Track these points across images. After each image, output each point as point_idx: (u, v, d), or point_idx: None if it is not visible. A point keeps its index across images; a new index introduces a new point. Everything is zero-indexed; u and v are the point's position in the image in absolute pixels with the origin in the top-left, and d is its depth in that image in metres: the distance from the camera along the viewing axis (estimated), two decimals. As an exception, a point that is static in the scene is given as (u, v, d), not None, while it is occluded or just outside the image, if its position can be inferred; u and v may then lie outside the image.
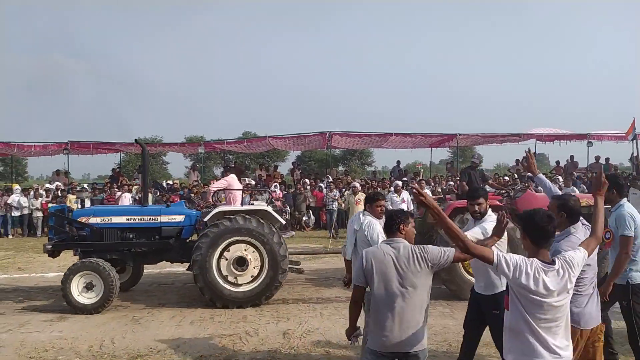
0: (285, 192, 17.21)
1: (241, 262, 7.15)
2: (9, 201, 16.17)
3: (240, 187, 8.44)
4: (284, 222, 7.73)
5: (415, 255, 3.14)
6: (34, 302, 7.55)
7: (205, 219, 7.49)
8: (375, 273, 3.12)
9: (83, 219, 7.66)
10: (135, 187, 17.79)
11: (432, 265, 3.14)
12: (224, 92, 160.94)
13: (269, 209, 7.58)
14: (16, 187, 17.70)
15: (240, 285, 7.16)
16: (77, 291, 6.95)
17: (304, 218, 16.31)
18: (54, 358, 5.16)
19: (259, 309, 6.98)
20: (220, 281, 7.08)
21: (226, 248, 7.17)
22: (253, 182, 15.44)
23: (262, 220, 7.22)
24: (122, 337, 5.74)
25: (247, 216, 7.22)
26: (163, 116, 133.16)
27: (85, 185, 19.76)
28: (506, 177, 17.74)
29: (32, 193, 16.98)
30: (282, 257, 7.13)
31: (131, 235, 7.70)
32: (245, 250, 7.19)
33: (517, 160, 21.56)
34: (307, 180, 18.00)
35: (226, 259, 7.13)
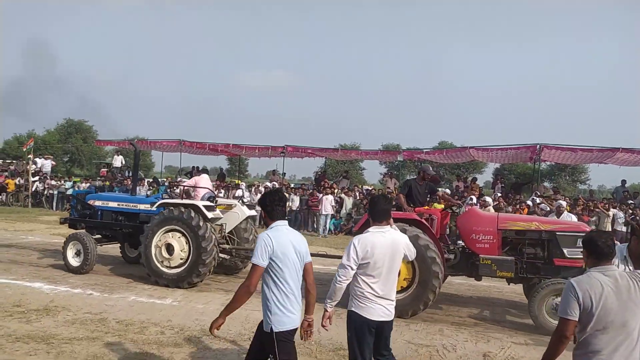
0: (484, 206, 16.31)
1: (170, 248, 8.04)
2: (236, 195, 18.93)
3: (207, 186, 9.32)
4: (210, 215, 8.19)
5: (635, 284, 2.73)
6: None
7: (154, 207, 8.63)
8: (595, 308, 2.72)
9: (91, 202, 9.59)
10: (337, 190, 19.03)
11: None
12: (419, 100, 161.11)
13: (199, 203, 8.26)
14: (241, 183, 20.62)
15: (172, 267, 8.06)
16: (71, 255, 8.80)
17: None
18: (271, 336, 5.82)
19: (457, 326, 6.76)
20: (157, 263, 8.10)
21: (165, 234, 8.12)
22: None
23: (183, 209, 8.00)
24: (327, 329, 6.16)
25: (173, 207, 8.12)
26: (362, 123, 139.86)
27: (292, 185, 21.96)
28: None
29: (253, 189, 19.57)
30: (205, 243, 7.84)
31: (121, 218, 9.35)
32: (176, 237, 8.06)
33: None
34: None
35: (159, 245, 8.08)
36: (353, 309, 3.69)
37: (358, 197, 18.16)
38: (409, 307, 6.80)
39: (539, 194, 16.28)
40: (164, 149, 25.03)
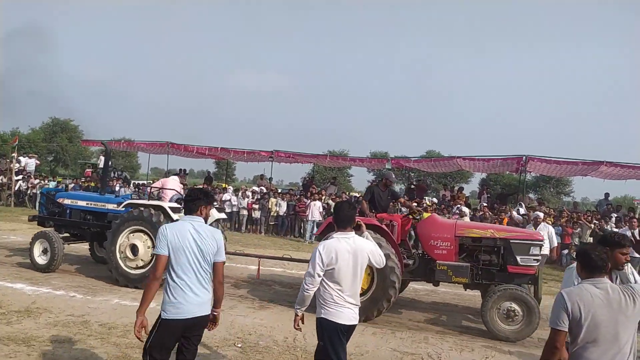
0: (471, 215, 16.45)
1: (135, 249, 8.10)
2: (223, 198, 18.84)
3: (174, 188, 9.45)
4: (175, 217, 8.18)
5: (627, 297, 2.77)
6: (239, 290, 8.61)
7: (119, 208, 8.72)
8: (584, 319, 2.75)
9: (60, 200, 9.61)
10: (324, 196, 19.03)
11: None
12: (407, 110, 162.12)
13: (164, 204, 8.48)
14: (229, 187, 20.51)
15: (135, 268, 8.14)
16: (38, 253, 8.76)
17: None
18: (256, 342, 5.79)
19: (442, 335, 6.78)
20: (121, 263, 8.17)
21: (130, 234, 8.21)
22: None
23: (152, 211, 8.16)
24: (312, 335, 6.10)
25: (139, 208, 8.26)
26: (352, 130, 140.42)
27: (279, 190, 21.91)
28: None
29: (240, 194, 19.50)
30: None
31: (89, 217, 9.37)
32: (140, 238, 8.15)
33: None
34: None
35: (124, 245, 8.16)
36: (322, 315, 3.70)
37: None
38: (362, 313, 6.96)
39: (523, 204, 16.47)
40: (150, 151, 24.78)
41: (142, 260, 8.15)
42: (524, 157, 16.89)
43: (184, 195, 3.62)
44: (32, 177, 22.71)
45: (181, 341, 3.56)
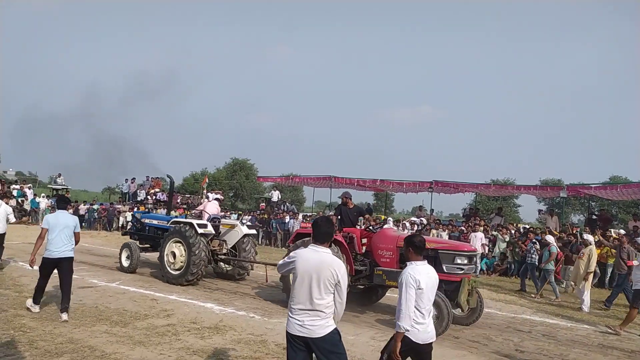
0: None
1: (174, 255, 10.57)
2: (384, 227, 19.03)
3: (212, 211, 12.12)
4: (200, 231, 10.41)
5: None
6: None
7: (168, 224, 11.41)
8: None
9: (143, 220, 12.91)
10: (489, 227, 17.96)
11: None
12: (581, 132, 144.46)
13: (193, 221, 10.74)
14: (389, 218, 20.72)
15: (175, 270, 10.51)
16: (124, 258, 11.75)
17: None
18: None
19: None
20: (167, 266, 10.64)
21: (172, 244, 10.65)
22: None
23: (188, 227, 10.53)
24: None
25: (179, 224, 10.86)
26: (517, 157, 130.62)
27: (440, 221, 21.30)
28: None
29: (400, 225, 19.50)
30: (194, 254, 10.18)
31: (160, 232, 11.92)
32: (178, 246, 10.57)
33: None
34: None
35: (168, 252, 10.67)
36: None
37: (514, 236, 16.90)
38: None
39: None
40: (315, 185, 26.41)
41: (176, 264, 10.45)
42: None
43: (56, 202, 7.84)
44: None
45: (57, 270, 6.98)
